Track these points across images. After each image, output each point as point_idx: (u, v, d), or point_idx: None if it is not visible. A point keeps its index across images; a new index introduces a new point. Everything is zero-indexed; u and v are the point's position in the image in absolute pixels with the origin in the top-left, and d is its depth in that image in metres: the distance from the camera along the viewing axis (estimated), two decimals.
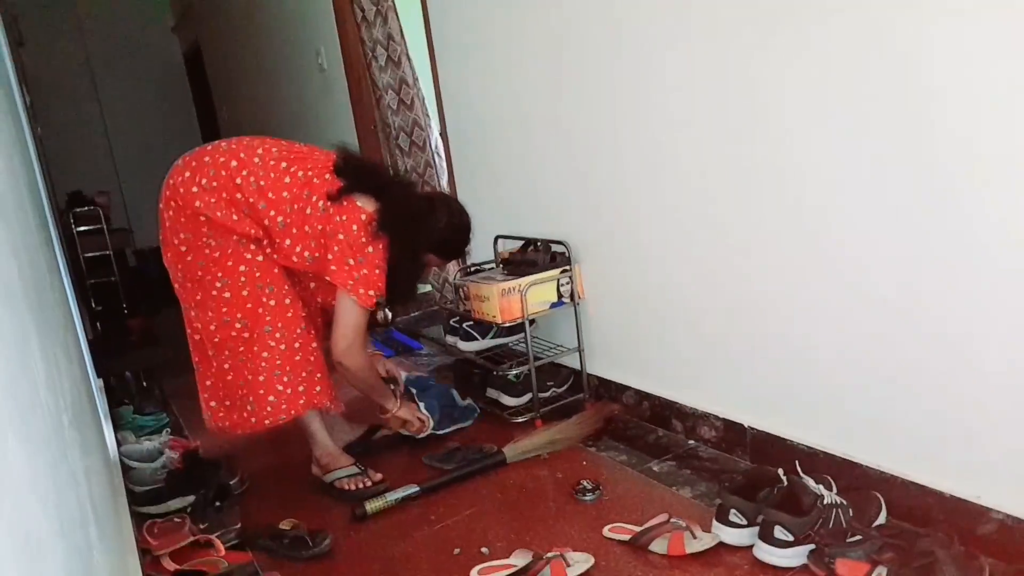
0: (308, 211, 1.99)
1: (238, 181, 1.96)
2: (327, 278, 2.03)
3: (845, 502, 1.57)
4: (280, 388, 2.06)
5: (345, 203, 1.98)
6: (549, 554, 1.61)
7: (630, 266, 2.27)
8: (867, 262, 1.58)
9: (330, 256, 2.00)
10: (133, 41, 6.77)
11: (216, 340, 2.06)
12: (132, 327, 4.69)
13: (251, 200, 1.96)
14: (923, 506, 1.57)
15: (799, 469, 1.64)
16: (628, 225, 2.23)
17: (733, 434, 2.01)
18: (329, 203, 1.98)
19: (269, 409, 2.06)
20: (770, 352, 1.87)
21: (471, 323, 2.65)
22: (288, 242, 2.01)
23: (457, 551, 1.74)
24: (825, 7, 1.52)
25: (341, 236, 1.98)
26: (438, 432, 2.40)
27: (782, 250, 1.76)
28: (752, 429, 1.96)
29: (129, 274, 6.02)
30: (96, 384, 3.02)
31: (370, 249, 1.99)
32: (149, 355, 3.66)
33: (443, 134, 3.18)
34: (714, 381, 2.07)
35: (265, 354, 2.04)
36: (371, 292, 2.01)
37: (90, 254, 5.62)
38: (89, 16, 6.57)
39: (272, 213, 1.98)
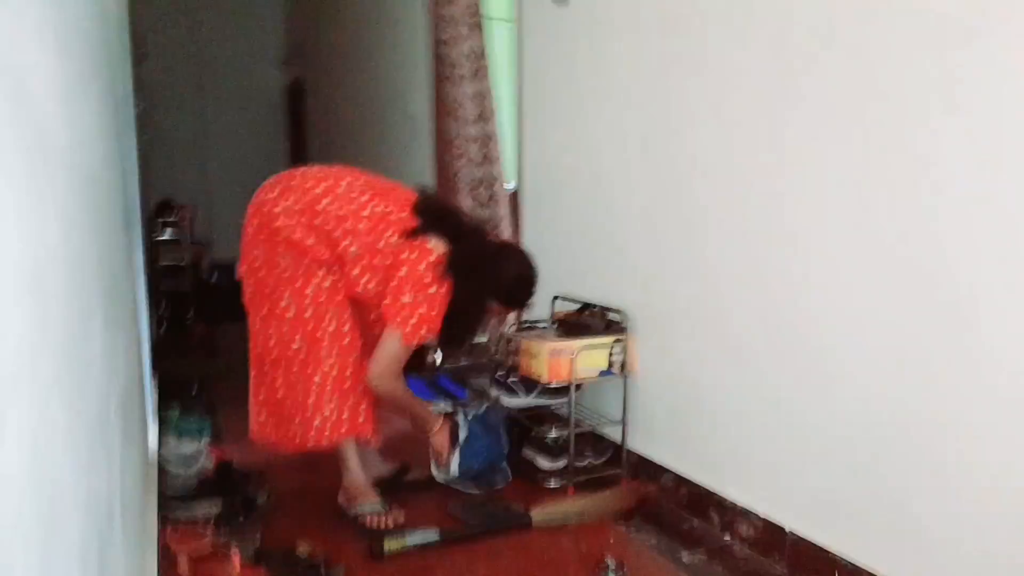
0: (380, 244, 2.05)
1: (320, 207, 2.04)
2: (382, 310, 2.07)
3: None
4: (327, 413, 2.08)
5: (417, 241, 2.04)
6: None
7: (687, 347, 2.23)
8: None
9: (388, 288, 2.04)
10: (243, 68, 7.24)
11: (273, 356, 2.11)
12: (194, 334, 4.85)
13: (328, 227, 2.04)
14: None
15: None
16: (691, 306, 2.20)
17: (772, 536, 1.91)
18: (401, 240, 2.03)
19: (313, 432, 2.08)
20: (825, 457, 1.78)
21: (516, 379, 2.64)
22: (356, 271, 2.06)
23: None
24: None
25: (404, 271, 2.02)
26: (457, 487, 2.36)
27: (847, 353, 1.70)
28: (793, 534, 1.85)
29: (200, 285, 6.25)
30: (150, 381, 3.12)
31: (433, 290, 2.03)
32: (205, 363, 3.76)
33: (518, 191, 3.25)
34: (759, 477, 1.98)
35: (317, 378, 2.07)
36: (421, 331, 2.04)
37: (167, 263, 5.87)
38: (209, 42, 7.08)
39: (346, 242, 2.04)
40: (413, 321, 2.02)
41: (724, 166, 2.03)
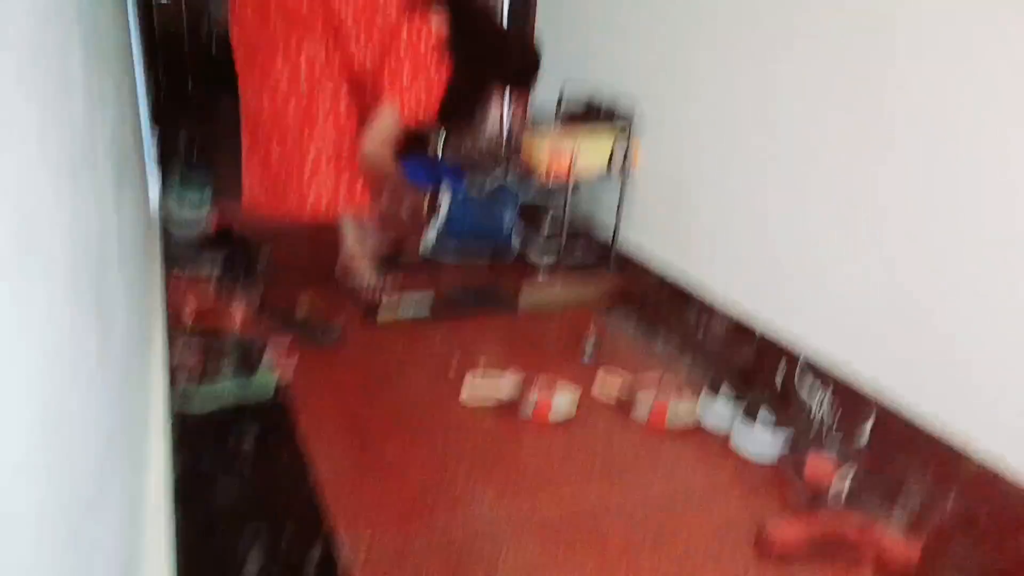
0: (379, 20, 1.95)
1: None
2: (380, 87, 2.01)
3: (835, 405, 1.60)
4: (325, 181, 2.09)
5: (418, 18, 1.94)
6: (537, 388, 1.68)
7: (687, 148, 2.19)
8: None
9: (387, 67, 1.98)
10: None
11: (267, 127, 2.08)
12: (193, 102, 4.75)
13: None
14: (910, 432, 1.58)
15: (799, 368, 1.66)
16: (697, 108, 2.13)
17: (745, 328, 2.02)
18: (401, 15, 1.93)
19: (309, 203, 2.11)
20: (796, 258, 1.83)
21: (514, 177, 2.63)
22: (353, 46, 1.98)
23: (452, 370, 1.82)
24: None
25: (404, 48, 1.95)
26: (449, 260, 2.47)
27: (847, 173, 1.68)
28: (764, 330, 1.96)
29: (199, 53, 6.00)
30: (150, 144, 3.11)
31: (433, 71, 1.97)
32: (205, 128, 3.71)
33: None
34: (737, 275, 2.05)
35: (312, 150, 2.06)
36: (419, 111, 2.00)
37: (164, 26, 5.58)
38: None
39: (343, 14, 1.94)
40: (411, 100, 1.99)
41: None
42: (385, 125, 2.04)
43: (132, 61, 2.43)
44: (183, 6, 5.60)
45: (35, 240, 0.54)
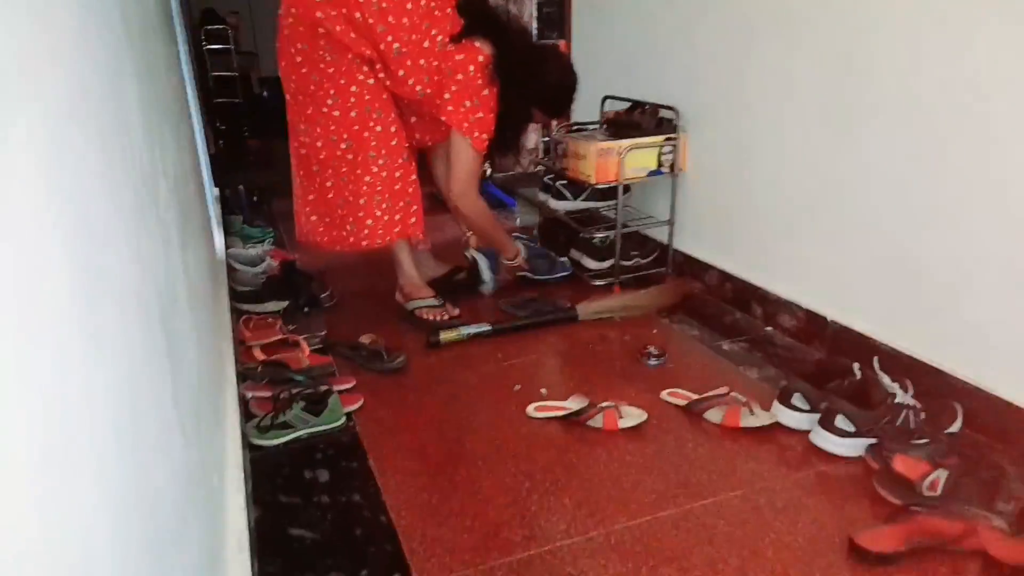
0: (426, 44, 1.98)
1: (360, 0, 1.95)
2: (442, 117, 2.05)
3: (919, 405, 1.51)
4: (379, 214, 2.12)
5: (464, 43, 1.97)
6: (604, 403, 1.66)
7: (738, 145, 2.14)
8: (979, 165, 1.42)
9: (447, 96, 2.01)
10: None
11: (321, 157, 2.12)
12: (250, 147, 4.93)
13: (370, 21, 1.95)
14: (1003, 423, 1.49)
15: (876, 366, 1.58)
16: (745, 102, 2.08)
17: (814, 326, 1.95)
18: (448, 41, 1.96)
19: (366, 232, 2.14)
20: (866, 249, 1.76)
21: (565, 182, 2.62)
22: (402, 72, 2.01)
23: (517, 387, 1.81)
24: None
25: (460, 76, 1.98)
26: (539, 277, 2.49)
27: (894, 151, 1.61)
28: (835, 323, 1.88)
29: (252, 99, 6.25)
30: (212, 192, 3.24)
31: (485, 92, 2.00)
32: (263, 174, 3.86)
33: None
34: (802, 271, 1.98)
35: (367, 178, 2.10)
36: (484, 135, 2.04)
37: (217, 73, 5.83)
38: None
39: (389, 38, 1.97)
40: (478, 126, 2.02)
41: None
42: (465, 159, 2.08)
43: (188, 106, 2.54)
44: (234, 54, 5.86)
45: (104, 275, 0.56)
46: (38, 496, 0.38)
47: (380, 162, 2.09)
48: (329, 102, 2.05)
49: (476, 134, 2.03)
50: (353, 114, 2.05)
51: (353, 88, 2.03)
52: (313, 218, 2.24)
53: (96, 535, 0.47)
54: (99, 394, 0.51)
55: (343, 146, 2.08)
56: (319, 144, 2.10)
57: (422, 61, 2.00)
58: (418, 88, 2.04)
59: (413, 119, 2.20)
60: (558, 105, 2.22)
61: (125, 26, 0.90)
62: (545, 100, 2.16)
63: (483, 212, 2.24)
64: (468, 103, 2.00)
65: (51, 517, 0.40)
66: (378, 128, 2.07)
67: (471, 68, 1.97)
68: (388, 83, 2.05)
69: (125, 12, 0.93)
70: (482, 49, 1.99)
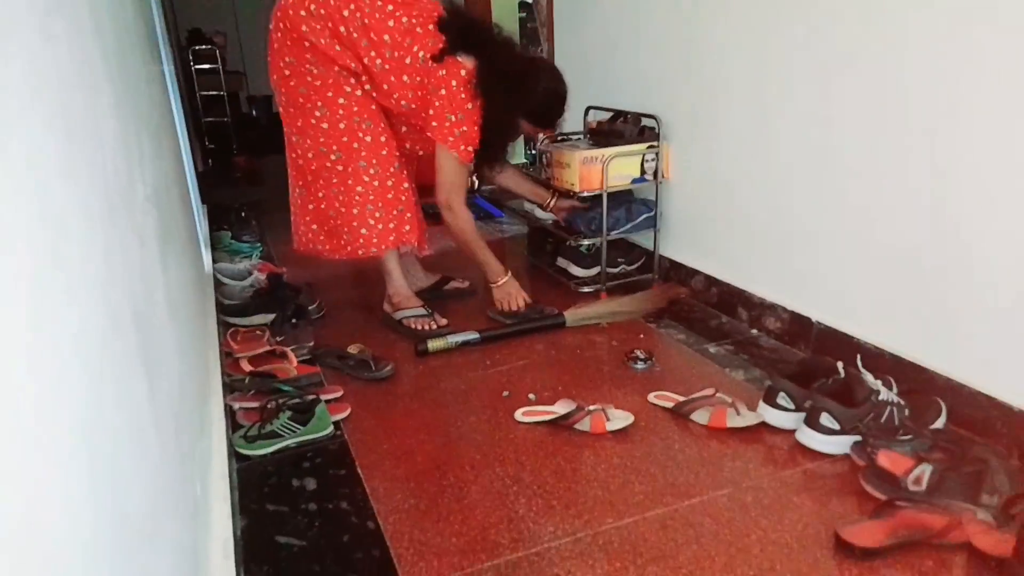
0: (408, 60, 2.00)
1: (345, 14, 1.97)
2: (428, 133, 2.06)
3: (902, 402, 1.52)
4: (372, 223, 2.13)
5: (447, 60, 1.99)
6: (591, 407, 1.66)
7: (720, 151, 2.16)
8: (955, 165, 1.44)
9: (431, 111, 2.03)
10: None
11: (312, 168, 2.13)
12: (238, 164, 4.94)
13: (354, 36, 1.98)
14: (987, 418, 1.50)
15: (860, 364, 1.59)
16: (725, 109, 2.11)
17: (798, 327, 1.96)
18: (430, 58, 1.99)
19: (362, 241, 2.14)
20: (849, 250, 1.77)
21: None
22: (386, 86, 2.04)
23: (506, 394, 1.81)
24: None
25: (443, 91, 2.00)
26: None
27: (875, 153, 1.63)
28: (820, 324, 1.89)
29: (240, 117, 6.27)
30: (200, 209, 3.24)
31: (469, 106, 2.01)
32: (251, 190, 3.86)
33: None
34: (787, 274, 1.99)
35: (359, 188, 2.11)
36: (470, 148, 2.05)
37: (206, 92, 5.85)
38: None
39: (372, 54, 1.99)
40: (463, 139, 2.04)
41: None
42: (448, 170, 2.10)
43: (173, 123, 2.55)
44: (221, 73, 5.88)
45: (63, 268, 0.56)
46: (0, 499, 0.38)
47: (371, 171, 2.10)
48: (317, 114, 2.06)
49: (461, 147, 2.05)
50: (341, 125, 2.06)
51: (340, 100, 2.05)
52: (314, 227, 2.24)
53: (61, 535, 0.47)
54: (60, 392, 0.51)
55: (333, 157, 2.09)
56: (310, 155, 2.12)
57: (405, 77, 2.02)
58: (403, 103, 2.06)
59: (404, 129, 2.22)
60: (549, 115, 2.20)
61: (97, 31, 0.91)
62: (533, 111, 2.16)
63: (467, 227, 2.22)
64: (452, 117, 2.01)
65: (11, 513, 0.40)
66: (367, 138, 2.08)
67: (453, 83, 1.99)
68: (375, 95, 2.07)
69: (98, 21, 0.94)
70: (464, 64, 2.00)
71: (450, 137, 2.04)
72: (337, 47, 1.99)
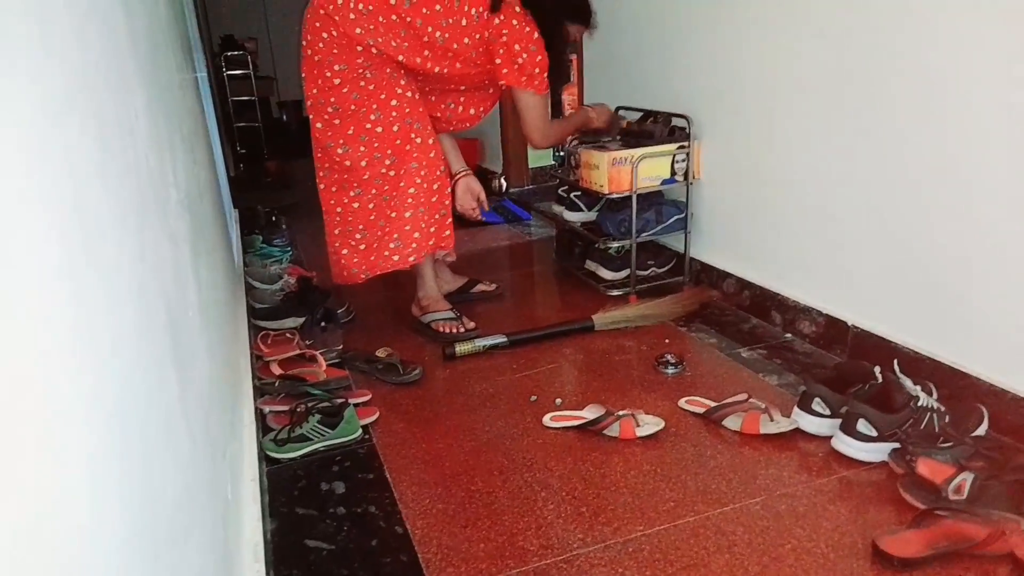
0: (464, 22, 2.01)
1: (392, 2, 1.97)
2: (501, 82, 2.10)
3: (943, 408, 1.48)
4: (423, 226, 2.13)
5: (501, 6, 2.02)
6: (621, 412, 1.64)
7: (751, 151, 2.13)
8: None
9: (498, 60, 2.06)
10: None
11: (365, 177, 2.10)
12: (269, 169, 5.01)
13: (408, 19, 1.98)
14: None
15: (897, 369, 1.55)
16: (757, 108, 2.07)
17: (834, 331, 1.91)
18: (484, 12, 2.01)
19: (414, 246, 2.14)
20: (885, 252, 1.73)
21: (579, 194, 2.62)
22: (450, 54, 2.05)
23: (534, 398, 1.80)
24: None
25: (505, 33, 2.02)
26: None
27: (911, 153, 1.59)
28: (856, 328, 1.85)
29: (271, 122, 6.35)
30: (232, 213, 3.28)
31: (536, 35, 2.05)
32: (281, 195, 3.90)
33: None
34: (822, 276, 1.95)
35: (412, 190, 2.11)
36: (543, 75, 2.10)
37: (237, 98, 5.94)
38: None
39: (430, 29, 2.00)
40: (537, 72, 2.08)
41: None
42: (534, 107, 2.16)
43: (206, 127, 2.58)
44: (252, 79, 5.96)
45: (98, 269, 0.57)
46: (31, 497, 0.39)
47: (422, 173, 2.10)
48: (372, 118, 2.05)
49: (536, 82, 2.10)
50: (395, 128, 2.06)
51: (393, 102, 2.05)
52: (345, 251, 2.19)
53: (90, 535, 0.47)
54: (93, 392, 0.52)
55: (387, 162, 2.08)
56: (363, 163, 2.08)
57: (466, 39, 2.03)
58: (468, 65, 2.09)
59: (460, 101, 2.24)
60: (586, 7, 2.23)
61: (130, 34, 0.92)
62: (571, 11, 2.19)
63: (564, 133, 2.43)
64: (520, 59, 2.05)
65: (43, 514, 0.40)
66: (418, 140, 2.09)
67: (514, 22, 2.02)
68: (437, 69, 2.06)
69: (132, 24, 0.95)
70: (512, 2, 2.03)
71: (523, 76, 2.07)
72: (393, 42, 1.99)
